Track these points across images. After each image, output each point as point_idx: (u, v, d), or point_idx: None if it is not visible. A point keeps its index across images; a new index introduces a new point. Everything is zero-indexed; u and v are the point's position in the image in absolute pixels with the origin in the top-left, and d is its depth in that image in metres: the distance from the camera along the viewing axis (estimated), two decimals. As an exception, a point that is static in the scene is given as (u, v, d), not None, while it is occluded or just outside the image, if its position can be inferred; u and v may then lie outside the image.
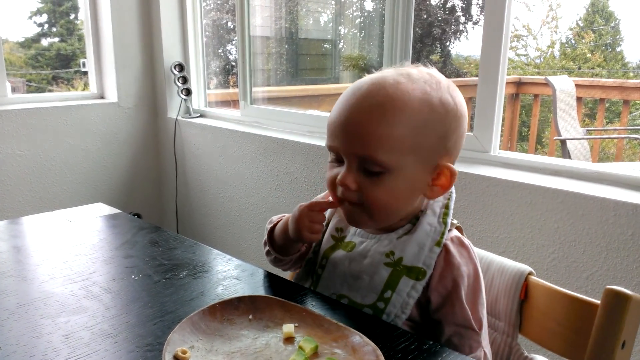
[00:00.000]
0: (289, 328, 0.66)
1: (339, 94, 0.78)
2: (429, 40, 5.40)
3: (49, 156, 2.43)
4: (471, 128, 1.65)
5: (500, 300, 0.83)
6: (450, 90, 0.75)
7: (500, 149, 1.61)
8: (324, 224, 0.85)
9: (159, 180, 2.83)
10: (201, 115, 2.66)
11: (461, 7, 5.71)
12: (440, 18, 5.50)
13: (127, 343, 0.65)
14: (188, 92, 2.61)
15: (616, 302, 0.67)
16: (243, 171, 2.31)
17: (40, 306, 0.75)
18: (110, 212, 1.19)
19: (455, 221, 0.80)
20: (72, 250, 0.96)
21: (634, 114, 4.97)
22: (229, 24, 3.07)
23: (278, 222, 0.88)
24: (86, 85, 2.81)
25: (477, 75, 1.59)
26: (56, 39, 3.34)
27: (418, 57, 3.45)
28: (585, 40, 6.50)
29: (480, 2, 5.51)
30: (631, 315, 0.66)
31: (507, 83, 1.61)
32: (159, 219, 2.86)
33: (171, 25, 2.63)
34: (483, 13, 1.57)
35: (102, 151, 2.60)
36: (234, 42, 2.91)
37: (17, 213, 2.33)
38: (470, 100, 3.03)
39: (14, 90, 2.52)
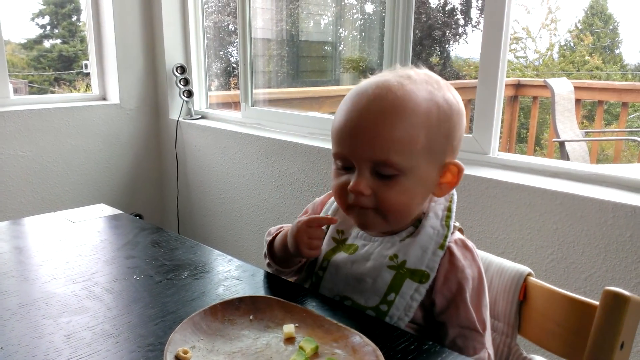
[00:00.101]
0: (289, 328, 0.67)
1: (340, 96, 0.77)
2: (429, 42, 5.41)
3: (51, 157, 2.44)
4: (470, 130, 1.65)
5: (499, 301, 0.83)
6: (449, 89, 0.77)
7: (499, 150, 1.61)
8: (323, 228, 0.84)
9: (161, 181, 2.84)
10: (202, 117, 2.67)
11: (461, 10, 5.71)
12: (440, 21, 5.51)
13: (128, 343, 0.66)
14: (189, 94, 2.62)
15: (615, 303, 0.67)
16: (244, 172, 2.31)
17: (42, 306, 0.75)
18: (112, 213, 1.19)
19: (457, 223, 0.80)
20: (74, 251, 0.97)
21: (632, 115, 4.97)
22: (230, 26, 3.08)
23: (277, 234, 0.87)
24: (88, 86, 2.82)
25: (476, 78, 1.60)
26: (58, 41, 3.35)
27: (418, 60, 3.46)
28: (584, 42, 6.50)
29: (479, 4, 5.52)
30: (630, 316, 0.67)
31: (506, 85, 1.62)
32: (160, 220, 2.86)
33: (173, 27, 2.63)
34: (482, 15, 1.57)
35: (104, 152, 2.60)
36: (235, 44, 2.92)
37: (19, 214, 2.33)
38: (469, 102, 3.03)
39: (16, 91, 2.53)
